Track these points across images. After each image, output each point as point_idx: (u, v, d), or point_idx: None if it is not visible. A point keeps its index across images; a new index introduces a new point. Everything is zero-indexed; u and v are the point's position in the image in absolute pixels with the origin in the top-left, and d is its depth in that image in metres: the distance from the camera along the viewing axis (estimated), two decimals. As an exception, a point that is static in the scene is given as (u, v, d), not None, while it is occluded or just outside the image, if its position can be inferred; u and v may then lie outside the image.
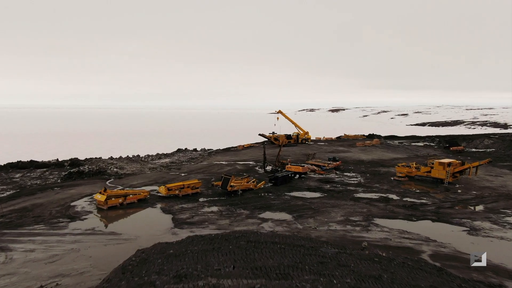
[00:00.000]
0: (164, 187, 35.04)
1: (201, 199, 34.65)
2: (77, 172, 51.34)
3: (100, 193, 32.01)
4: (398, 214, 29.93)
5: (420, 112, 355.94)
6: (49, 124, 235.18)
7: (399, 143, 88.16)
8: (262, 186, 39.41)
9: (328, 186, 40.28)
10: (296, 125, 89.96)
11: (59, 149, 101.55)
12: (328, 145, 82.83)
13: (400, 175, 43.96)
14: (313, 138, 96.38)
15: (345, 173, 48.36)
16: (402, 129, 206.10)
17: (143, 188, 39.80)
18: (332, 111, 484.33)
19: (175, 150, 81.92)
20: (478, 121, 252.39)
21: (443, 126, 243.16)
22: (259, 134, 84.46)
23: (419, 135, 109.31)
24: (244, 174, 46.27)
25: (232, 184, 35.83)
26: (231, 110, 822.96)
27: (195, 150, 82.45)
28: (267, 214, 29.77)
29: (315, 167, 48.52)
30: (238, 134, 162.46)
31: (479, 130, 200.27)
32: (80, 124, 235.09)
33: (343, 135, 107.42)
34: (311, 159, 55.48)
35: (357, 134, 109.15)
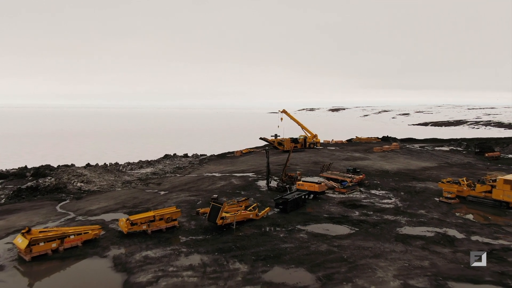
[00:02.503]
0: (125, 220, 24.07)
1: (179, 237, 23.90)
2: (30, 188, 40.37)
3: (22, 234, 21.13)
4: (482, 273, 19.06)
5: (422, 112, 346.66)
6: (47, 123, 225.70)
7: (420, 147, 77.05)
8: (266, 215, 28.52)
9: (357, 214, 29.38)
10: (302, 127, 78.72)
11: (50, 151, 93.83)
12: (340, 150, 71.56)
13: (449, 195, 33.08)
14: (321, 141, 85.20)
15: (372, 191, 37.48)
16: (404, 129, 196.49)
17: (103, 215, 29.02)
18: (332, 110, 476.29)
19: (162, 156, 70.86)
20: (481, 121, 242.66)
21: (446, 126, 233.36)
22: (260, 138, 73.20)
23: (441, 138, 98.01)
24: (242, 193, 35.43)
25: (224, 215, 24.95)
26: (230, 110, 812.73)
27: (185, 156, 71.44)
28: (276, 273, 18.92)
29: (333, 183, 37.60)
30: (237, 135, 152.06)
31: (483, 130, 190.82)
32: (79, 124, 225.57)
33: (355, 137, 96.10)
34: (326, 170, 44.49)
35: (370, 136, 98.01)
